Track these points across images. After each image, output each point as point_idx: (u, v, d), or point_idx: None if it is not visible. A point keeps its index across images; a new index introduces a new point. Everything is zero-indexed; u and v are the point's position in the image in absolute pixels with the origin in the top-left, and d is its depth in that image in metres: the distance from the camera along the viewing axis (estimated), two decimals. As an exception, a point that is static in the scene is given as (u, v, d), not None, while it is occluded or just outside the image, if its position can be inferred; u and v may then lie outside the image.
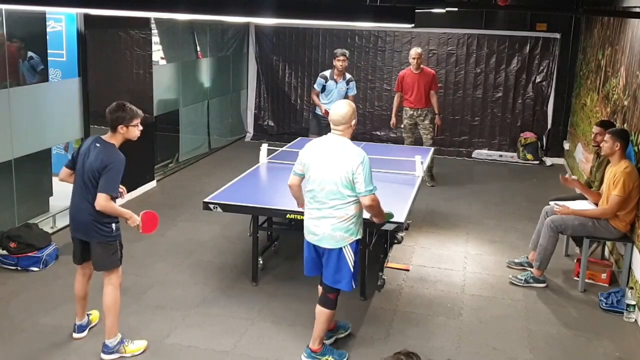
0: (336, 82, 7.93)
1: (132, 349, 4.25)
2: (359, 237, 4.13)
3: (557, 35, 9.80)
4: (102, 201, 3.97)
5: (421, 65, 8.37)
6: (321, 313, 4.18)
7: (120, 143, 4.15)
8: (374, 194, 3.95)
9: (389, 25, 8.87)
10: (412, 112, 8.43)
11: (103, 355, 4.20)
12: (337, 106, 4.07)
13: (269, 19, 4.28)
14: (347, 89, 8.01)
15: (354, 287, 4.17)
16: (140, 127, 4.23)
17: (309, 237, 4.15)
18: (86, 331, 4.46)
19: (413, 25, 2.81)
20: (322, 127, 7.97)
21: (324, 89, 7.99)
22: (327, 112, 7.81)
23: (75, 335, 4.42)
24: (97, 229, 4.09)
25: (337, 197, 3.97)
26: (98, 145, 4.08)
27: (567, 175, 5.65)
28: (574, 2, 7.19)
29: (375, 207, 4.05)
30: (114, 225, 4.13)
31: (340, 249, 4.04)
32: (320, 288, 4.28)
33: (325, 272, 4.14)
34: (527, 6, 9.22)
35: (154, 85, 7.94)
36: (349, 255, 4.06)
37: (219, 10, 2.79)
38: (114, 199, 4.05)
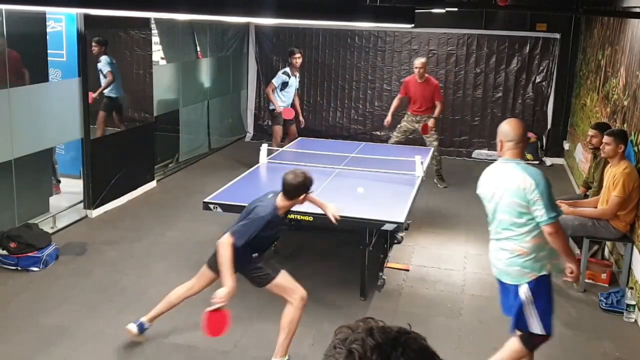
0: (295, 78, 8.61)
1: None
2: (543, 272, 3.57)
3: (557, 36, 9.80)
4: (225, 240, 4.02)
5: (425, 75, 8.31)
6: (513, 345, 3.72)
7: (285, 211, 4.15)
8: (556, 221, 3.44)
9: (389, 25, 8.87)
10: (417, 117, 8.33)
11: None
12: (511, 122, 3.69)
13: (269, 19, 4.29)
14: (297, 82, 8.74)
15: (543, 333, 3.61)
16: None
17: (492, 269, 3.80)
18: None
19: (413, 25, 2.81)
20: (283, 118, 8.51)
21: (284, 85, 8.45)
22: (286, 111, 8.44)
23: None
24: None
25: (510, 228, 3.53)
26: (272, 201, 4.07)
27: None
28: (574, 2, 7.20)
29: (559, 236, 3.47)
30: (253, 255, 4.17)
31: (516, 286, 3.58)
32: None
33: (513, 314, 3.69)
34: (527, 6, 9.22)
35: (154, 85, 7.94)
36: (526, 296, 3.55)
37: (219, 10, 2.79)
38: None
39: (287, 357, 4.16)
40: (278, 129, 8.59)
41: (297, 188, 4.01)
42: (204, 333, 3.91)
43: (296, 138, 8.37)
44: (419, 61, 8.31)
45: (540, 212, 3.41)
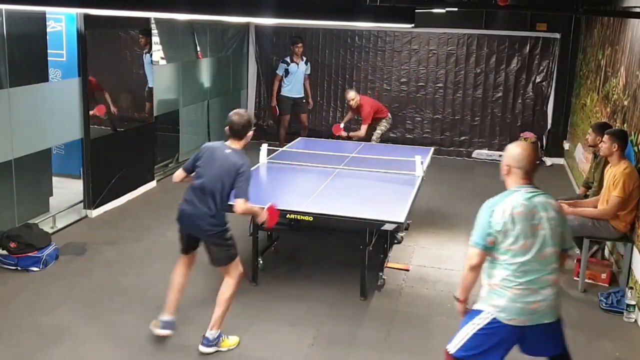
0: (297, 64, 9.41)
1: (230, 343, 4.34)
2: None
3: (557, 35, 9.80)
4: (242, 205, 4.11)
5: (358, 103, 8.74)
6: None
7: (242, 148, 4.28)
8: None
9: (389, 25, 8.88)
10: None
11: (202, 348, 4.25)
12: (525, 148, 3.38)
13: (269, 19, 4.29)
14: (306, 68, 9.54)
15: None
16: None
17: (518, 320, 3.24)
18: (170, 331, 4.40)
19: (413, 25, 2.81)
20: (290, 105, 9.48)
21: (287, 72, 9.40)
22: (274, 108, 9.58)
23: (158, 331, 4.37)
24: (217, 235, 4.23)
25: (555, 260, 3.30)
26: (228, 151, 4.19)
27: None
28: (574, 2, 7.18)
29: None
30: (229, 227, 4.28)
31: (558, 321, 3.36)
32: None
33: (550, 346, 3.38)
34: (527, 6, 9.22)
35: (154, 85, 7.95)
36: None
37: (219, 10, 2.80)
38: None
39: (219, 332, 4.29)
40: (285, 118, 9.54)
41: (245, 126, 4.20)
42: (268, 225, 4.48)
43: (306, 126, 9.67)
44: (348, 95, 8.85)
45: (569, 237, 3.38)
